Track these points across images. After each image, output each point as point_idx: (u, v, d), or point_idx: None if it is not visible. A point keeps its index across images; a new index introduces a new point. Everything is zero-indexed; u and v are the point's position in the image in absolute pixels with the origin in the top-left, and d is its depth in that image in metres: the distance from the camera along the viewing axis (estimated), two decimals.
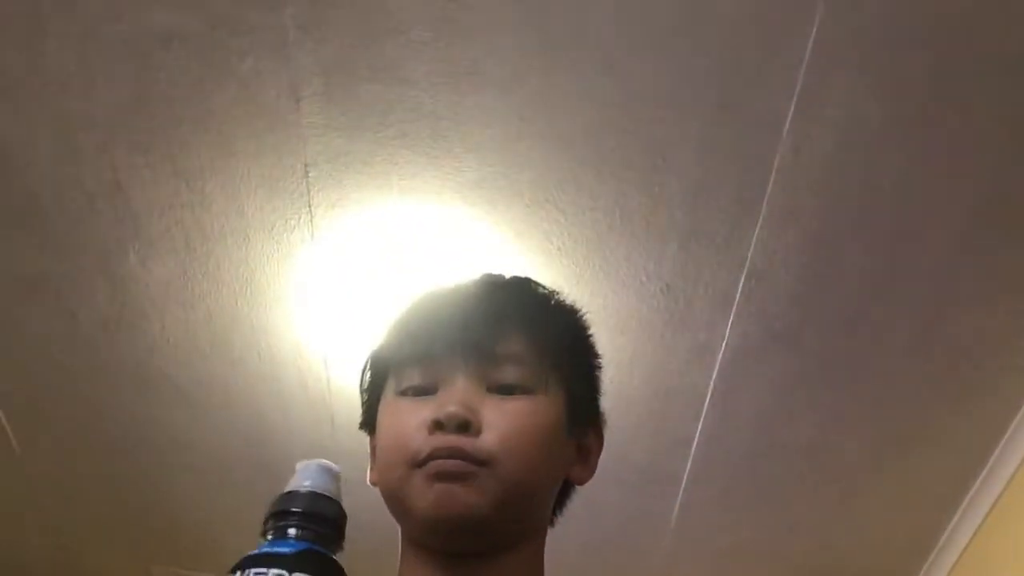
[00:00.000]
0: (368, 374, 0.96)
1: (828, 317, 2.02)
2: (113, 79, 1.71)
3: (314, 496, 0.66)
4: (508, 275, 0.97)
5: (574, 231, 1.90)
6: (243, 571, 0.60)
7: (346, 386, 2.23)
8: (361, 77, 1.68)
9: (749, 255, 1.91)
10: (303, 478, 0.68)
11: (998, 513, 2.31)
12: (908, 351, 2.07)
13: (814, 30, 1.56)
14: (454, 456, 0.79)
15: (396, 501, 0.83)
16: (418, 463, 0.80)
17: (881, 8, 1.53)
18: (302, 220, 1.93)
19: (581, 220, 1.88)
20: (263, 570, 0.59)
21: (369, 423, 0.94)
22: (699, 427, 2.27)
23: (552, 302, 0.95)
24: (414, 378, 0.87)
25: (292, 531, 0.63)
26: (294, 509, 0.65)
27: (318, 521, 0.64)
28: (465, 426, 0.80)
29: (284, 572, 0.59)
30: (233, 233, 1.97)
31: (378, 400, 0.92)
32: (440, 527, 0.80)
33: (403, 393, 0.87)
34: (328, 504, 0.67)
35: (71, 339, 2.21)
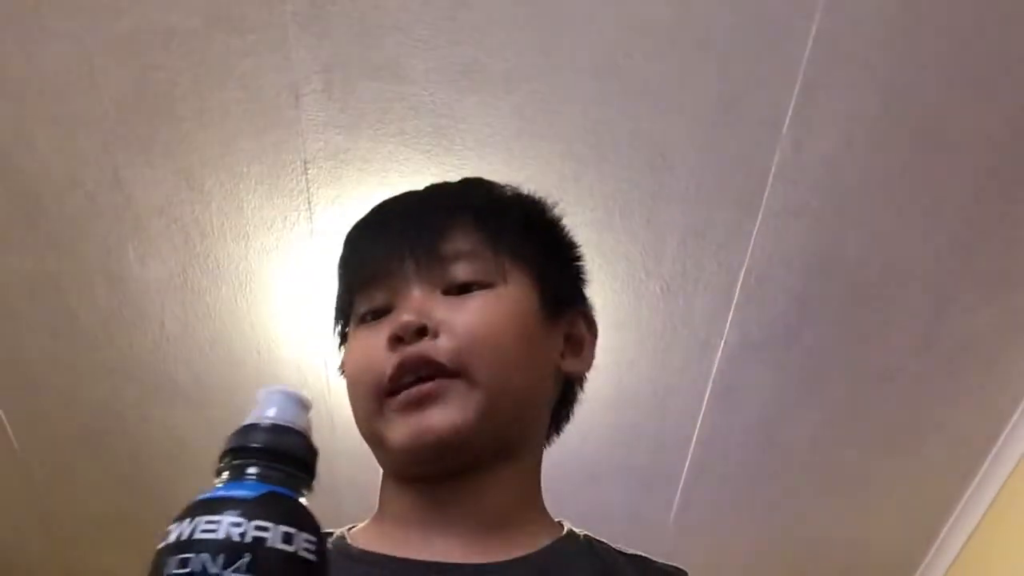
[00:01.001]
0: (337, 321, 0.90)
1: (827, 315, 2.02)
2: (113, 77, 1.71)
3: (278, 429, 0.56)
4: (455, 180, 0.92)
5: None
6: (192, 519, 0.50)
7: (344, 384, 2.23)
8: (361, 75, 1.68)
9: (748, 254, 1.91)
10: (266, 408, 0.57)
11: (997, 510, 2.31)
12: (906, 350, 2.07)
13: (813, 28, 1.56)
14: (420, 366, 0.75)
15: (372, 435, 0.79)
16: (386, 389, 0.76)
17: (880, 5, 1.53)
18: (302, 217, 1.93)
19: (581, 219, 1.88)
20: (215, 518, 0.49)
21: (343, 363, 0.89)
22: (698, 426, 2.27)
23: (501, 193, 0.89)
24: (368, 302, 0.82)
25: (252, 471, 0.53)
26: (254, 445, 0.54)
27: (283, 459, 0.54)
28: (422, 330, 0.76)
29: (242, 520, 0.49)
30: (233, 230, 1.97)
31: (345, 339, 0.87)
32: (420, 456, 0.76)
33: (362, 320, 0.83)
34: (294, 439, 0.56)
35: (71, 337, 2.21)
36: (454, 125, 1.75)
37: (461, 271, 0.80)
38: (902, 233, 1.86)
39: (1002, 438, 2.23)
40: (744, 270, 1.94)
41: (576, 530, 0.83)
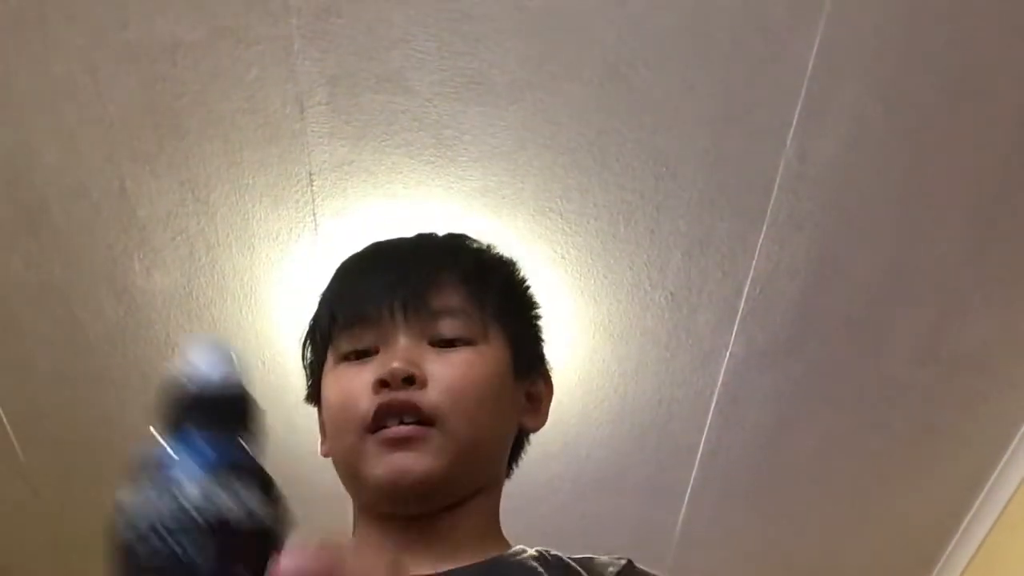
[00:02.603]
0: (308, 347, 0.94)
1: (832, 326, 2.02)
2: (119, 88, 1.71)
3: (216, 384, 0.54)
4: (439, 231, 0.97)
5: (578, 240, 1.90)
6: (145, 483, 0.51)
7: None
8: (366, 87, 1.68)
9: (753, 264, 1.90)
10: (194, 367, 0.54)
11: (1006, 521, 2.30)
12: (913, 359, 2.06)
13: (817, 39, 1.56)
14: (403, 411, 0.79)
15: (348, 469, 0.83)
16: (367, 427, 0.80)
17: (884, 16, 1.54)
18: (307, 229, 1.93)
19: (585, 229, 1.88)
20: (166, 484, 0.49)
21: (315, 395, 0.93)
22: (703, 436, 2.27)
23: (487, 255, 0.94)
24: (354, 342, 0.86)
25: (195, 434, 0.51)
26: (189, 408, 0.52)
27: (226, 416, 0.52)
28: (410, 380, 0.80)
29: (193, 489, 0.48)
30: (238, 242, 1.97)
31: (321, 371, 0.91)
32: (395, 494, 0.80)
33: (345, 358, 0.86)
34: (231, 392, 0.54)
35: (76, 347, 2.21)
36: (458, 137, 1.75)
37: (448, 326, 0.85)
38: (907, 244, 1.86)
39: (1009, 450, 2.22)
40: (749, 280, 1.94)
41: (531, 548, 0.87)
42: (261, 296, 2.08)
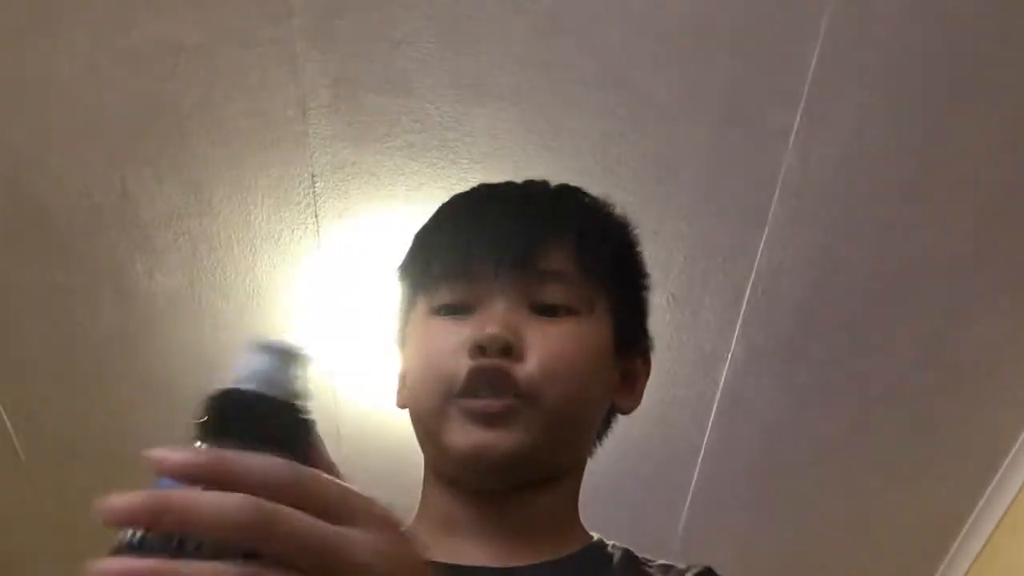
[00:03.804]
0: (399, 285, 0.86)
1: (834, 327, 2.02)
2: (121, 91, 1.72)
3: (262, 400, 0.45)
4: (553, 182, 0.88)
5: None
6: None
7: (352, 398, 2.23)
8: (368, 89, 1.68)
9: (755, 266, 1.90)
10: (246, 371, 0.46)
11: (1008, 523, 2.30)
12: (915, 361, 2.06)
13: (819, 42, 1.56)
14: (498, 381, 0.73)
15: (427, 430, 0.77)
16: (456, 391, 0.74)
17: (886, 19, 1.53)
18: (309, 230, 1.94)
19: None
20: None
21: (400, 340, 0.85)
22: (705, 438, 2.27)
23: (602, 215, 0.86)
24: (449, 295, 0.79)
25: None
26: (228, 429, 0.44)
27: (270, 443, 0.43)
28: (508, 350, 0.74)
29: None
30: (240, 243, 1.98)
31: (408, 314, 0.84)
32: (475, 469, 0.75)
33: (437, 311, 0.79)
34: (284, 413, 0.45)
35: (77, 349, 2.21)
36: (460, 138, 1.75)
37: (553, 293, 0.78)
38: (909, 246, 1.86)
39: (1011, 454, 2.22)
40: (750, 282, 1.94)
41: (609, 543, 0.82)
42: (263, 298, 2.08)
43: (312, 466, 0.46)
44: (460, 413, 0.74)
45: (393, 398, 0.84)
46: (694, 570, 0.79)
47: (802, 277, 1.92)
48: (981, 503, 2.35)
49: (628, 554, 0.81)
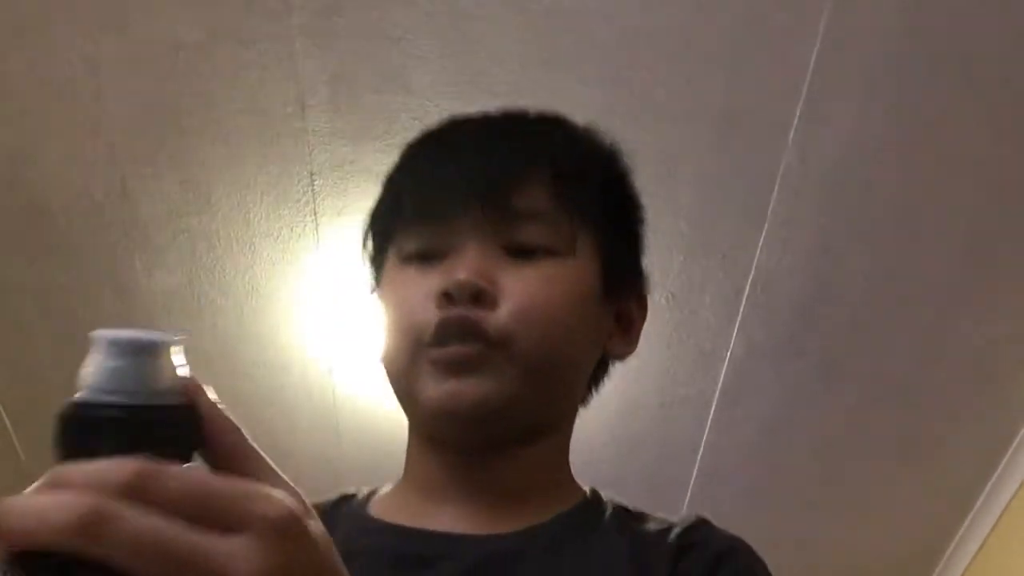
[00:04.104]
0: (368, 236, 0.81)
1: (833, 324, 2.02)
2: (120, 89, 1.71)
3: (122, 409, 0.38)
4: (532, 110, 0.80)
5: None
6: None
7: (352, 395, 2.23)
8: (366, 86, 1.68)
9: (754, 264, 1.90)
10: (100, 374, 0.40)
11: (1009, 518, 2.30)
12: (914, 358, 2.06)
13: (818, 39, 1.56)
14: (465, 332, 0.68)
15: (401, 386, 0.73)
16: (425, 342, 0.69)
17: (885, 16, 1.53)
18: (308, 228, 1.94)
19: None
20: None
21: (377, 293, 0.80)
22: (704, 435, 2.27)
23: (586, 145, 0.79)
24: (419, 241, 0.73)
25: None
26: (90, 448, 0.37)
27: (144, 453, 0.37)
28: (478, 296, 0.68)
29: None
30: (239, 241, 1.98)
31: (381, 266, 0.79)
32: (452, 421, 0.70)
33: (407, 259, 0.74)
34: (149, 418, 0.39)
35: (77, 347, 2.20)
36: None
37: (529, 233, 0.72)
38: (908, 244, 1.86)
39: (1010, 450, 2.22)
40: (750, 280, 1.94)
41: (605, 497, 0.77)
42: (262, 295, 2.08)
43: (215, 465, 0.41)
44: (430, 365, 0.69)
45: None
46: (687, 521, 0.75)
47: (801, 275, 1.92)
48: (980, 500, 2.35)
49: (620, 510, 0.76)
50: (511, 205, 0.71)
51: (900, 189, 1.78)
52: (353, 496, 0.78)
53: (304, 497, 0.43)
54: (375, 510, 0.74)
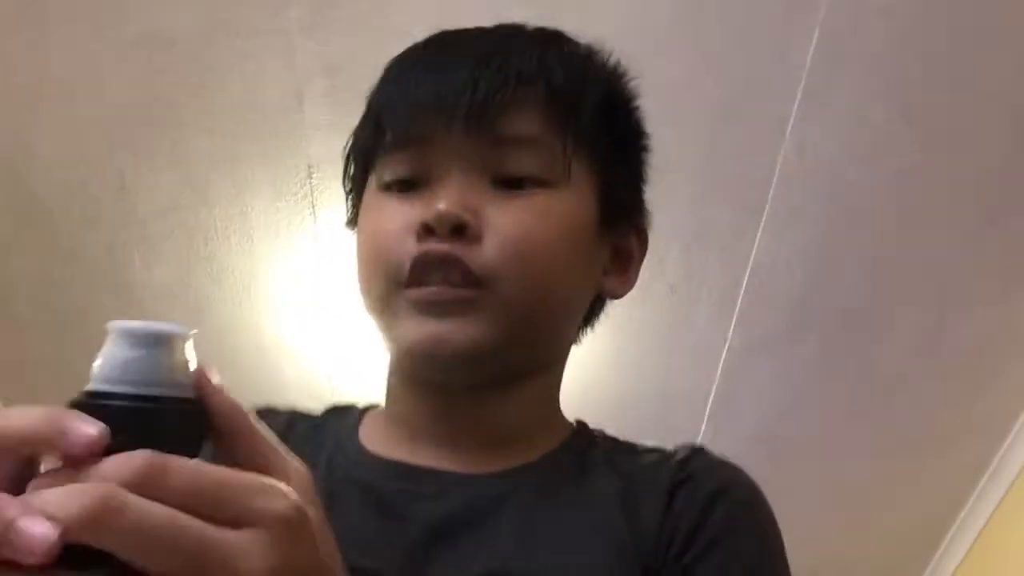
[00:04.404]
0: (349, 160, 0.75)
1: (831, 318, 2.02)
2: (117, 82, 1.71)
3: (134, 400, 0.38)
4: (529, 25, 0.75)
5: None
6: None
7: (349, 390, 2.23)
8: (364, 78, 1.67)
9: (752, 256, 1.90)
10: (113, 365, 0.39)
11: (1004, 510, 2.30)
12: (912, 350, 2.07)
13: (816, 31, 1.56)
14: (447, 269, 0.63)
15: (379, 323, 0.68)
16: (404, 278, 0.64)
17: (883, 9, 1.53)
18: (306, 222, 1.93)
19: None
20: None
21: (355, 221, 0.75)
22: (702, 427, 2.27)
23: (583, 63, 0.73)
24: (399, 168, 0.68)
25: None
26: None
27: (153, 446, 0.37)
28: (460, 229, 0.63)
29: None
30: (237, 235, 1.97)
31: (360, 194, 0.73)
32: (433, 364, 0.65)
33: (387, 187, 0.68)
34: (161, 410, 0.38)
35: (75, 341, 2.21)
36: None
37: (517, 162, 0.66)
38: (906, 236, 1.86)
39: (1007, 441, 2.23)
40: (748, 273, 1.94)
41: (596, 432, 0.73)
42: (260, 289, 2.08)
43: (222, 460, 0.40)
44: (407, 303, 0.64)
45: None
46: (683, 451, 0.70)
47: (799, 267, 1.92)
48: (977, 490, 2.35)
49: (610, 443, 0.72)
50: (499, 129, 0.65)
51: (897, 182, 1.78)
52: (344, 412, 0.75)
53: (309, 477, 0.43)
54: (366, 439, 0.71)
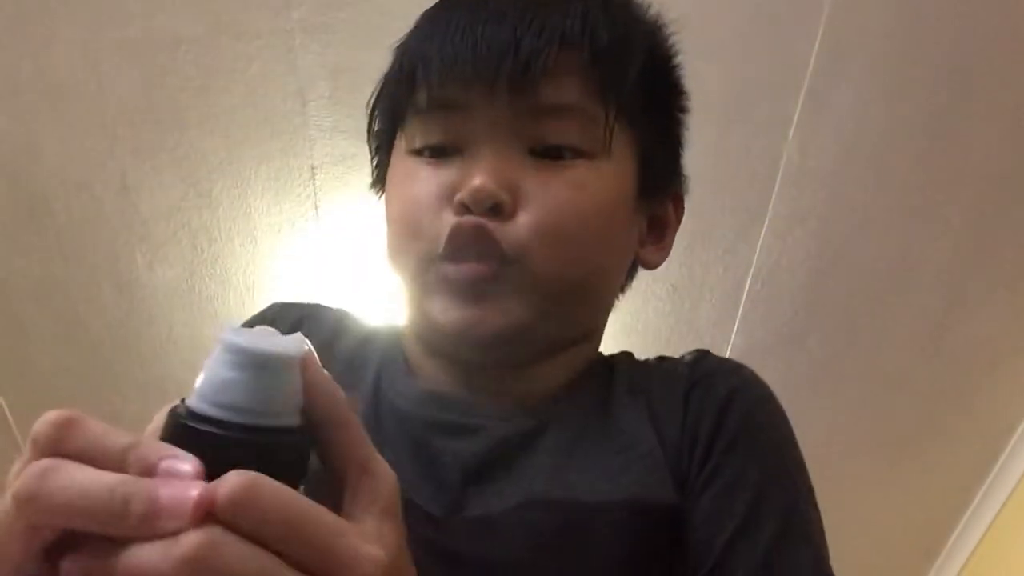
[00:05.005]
0: (376, 119, 0.73)
1: (834, 319, 2.02)
2: (121, 84, 1.71)
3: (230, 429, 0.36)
4: None
5: None
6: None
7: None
8: (367, 80, 1.67)
9: (755, 258, 1.90)
10: (219, 388, 0.37)
11: (1008, 514, 2.30)
12: (915, 353, 2.06)
13: (819, 34, 1.56)
14: (481, 245, 0.60)
15: (409, 295, 0.66)
16: (438, 253, 0.62)
17: (885, 11, 1.53)
18: (309, 222, 1.94)
19: None
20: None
21: (380, 181, 0.73)
22: None
23: (627, 19, 0.67)
24: (432, 134, 0.65)
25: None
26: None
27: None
28: (497, 208, 0.60)
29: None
30: (240, 235, 1.98)
31: (389, 153, 0.71)
32: (467, 346, 0.63)
33: (417, 152, 0.66)
34: (256, 445, 0.36)
35: (78, 342, 2.21)
36: None
37: (557, 132, 0.62)
38: (908, 238, 1.86)
39: (1012, 442, 2.22)
40: (751, 274, 1.94)
41: (614, 357, 0.72)
42: (263, 290, 2.08)
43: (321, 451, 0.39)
44: (441, 282, 0.62)
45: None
46: (690, 356, 0.70)
47: (801, 269, 1.92)
48: (981, 492, 2.35)
49: (627, 363, 0.72)
50: (540, 97, 0.62)
51: (900, 184, 1.77)
52: (388, 330, 0.72)
53: (396, 483, 0.41)
54: (407, 364, 0.69)
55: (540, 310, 0.62)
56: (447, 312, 0.62)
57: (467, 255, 0.61)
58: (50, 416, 0.37)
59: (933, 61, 1.59)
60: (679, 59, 0.72)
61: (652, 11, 0.70)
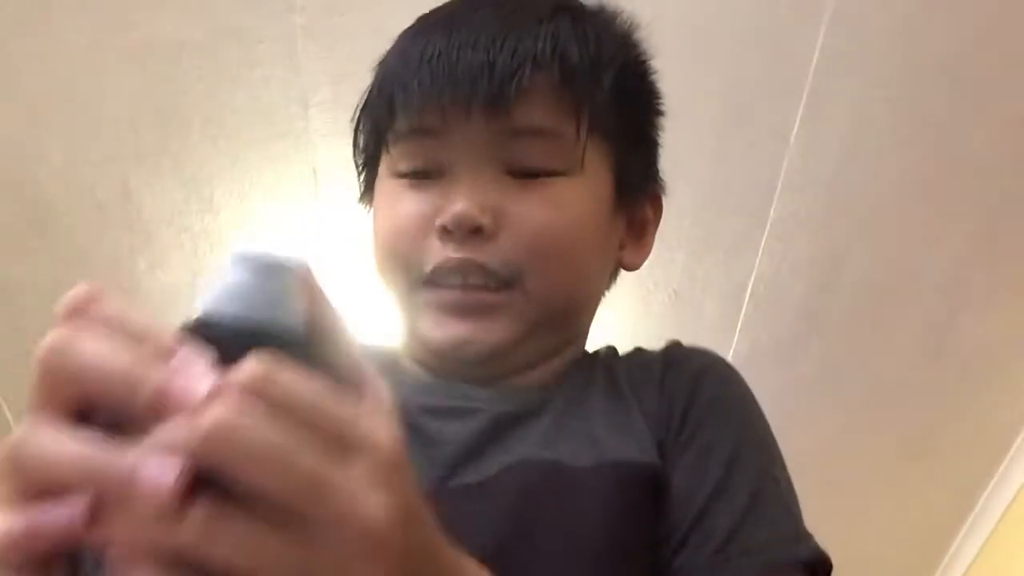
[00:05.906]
0: (360, 138, 0.74)
1: (836, 325, 2.02)
2: (123, 88, 1.72)
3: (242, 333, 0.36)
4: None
5: None
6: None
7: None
8: None
9: (756, 263, 1.90)
10: (225, 289, 0.38)
11: (1010, 518, 2.30)
12: (917, 358, 2.06)
13: (820, 39, 1.56)
14: (469, 274, 0.63)
15: (400, 313, 0.69)
16: (424, 276, 0.65)
17: (887, 16, 1.53)
18: (311, 227, 1.94)
19: None
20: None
21: (369, 195, 0.75)
22: None
23: (598, 32, 0.69)
24: (413, 160, 0.67)
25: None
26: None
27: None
28: (478, 231, 0.63)
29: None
30: (243, 240, 1.98)
31: (375, 171, 0.73)
32: (456, 361, 0.65)
33: (400, 175, 0.68)
34: (267, 337, 0.36)
35: None
36: None
37: (532, 154, 0.65)
38: (911, 242, 1.86)
39: (1013, 448, 2.22)
40: (752, 280, 1.94)
41: (597, 351, 0.74)
42: None
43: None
44: (432, 303, 0.65)
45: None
46: (664, 345, 0.72)
47: (803, 274, 1.92)
48: (983, 498, 2.35)
49: (608, 353, 0.74)
50: (514, 120, 0.64)
51: (901, 189, 1.77)
52: (383, 350, 0.74)
53: (394, 401, 0.40)
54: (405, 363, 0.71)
55: (530, 326, 0.65)
56: (438, 329, 0.65)
57: (452, 281, 0.64)
58: (79, 289, 0.37)
59: (934, 67, 1.59)
60: (652, 63, 0.76)
61: (624, 18, 0.74)
